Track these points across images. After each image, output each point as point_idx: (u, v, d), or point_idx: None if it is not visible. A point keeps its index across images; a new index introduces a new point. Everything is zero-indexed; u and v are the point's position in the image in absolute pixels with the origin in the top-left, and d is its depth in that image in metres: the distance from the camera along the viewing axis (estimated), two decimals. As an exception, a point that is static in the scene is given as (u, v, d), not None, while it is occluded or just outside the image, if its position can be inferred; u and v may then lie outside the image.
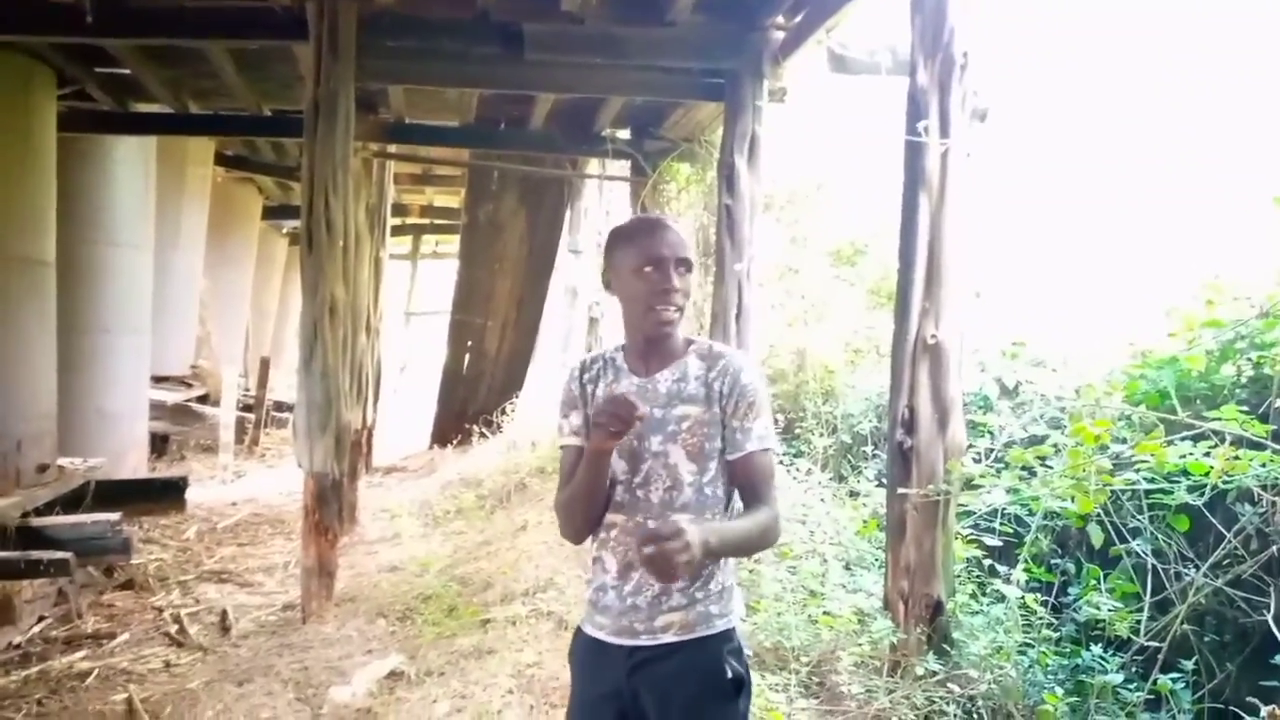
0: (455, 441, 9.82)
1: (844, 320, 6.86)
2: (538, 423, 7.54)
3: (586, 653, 2.10)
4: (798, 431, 6.25)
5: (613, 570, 2.06)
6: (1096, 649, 3.43)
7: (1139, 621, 3.13)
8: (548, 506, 5.49)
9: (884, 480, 4.46)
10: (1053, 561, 3.87)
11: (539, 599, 4.84)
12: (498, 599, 5.00)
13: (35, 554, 4.79)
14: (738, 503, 2.08)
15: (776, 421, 6.24)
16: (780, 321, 6.93)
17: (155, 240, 8.24)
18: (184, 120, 7.50)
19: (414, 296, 19.05)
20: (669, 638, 2.01)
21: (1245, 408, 3.08)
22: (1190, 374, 3.64)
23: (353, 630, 4.92)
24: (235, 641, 5.00)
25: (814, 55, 5.47)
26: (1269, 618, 2.84)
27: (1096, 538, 3.26)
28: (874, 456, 5.68)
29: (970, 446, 3.69)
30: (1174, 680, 3.11)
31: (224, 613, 5.38)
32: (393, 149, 8.66)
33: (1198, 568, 3.09)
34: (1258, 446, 2.88)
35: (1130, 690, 3.19)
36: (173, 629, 5.17)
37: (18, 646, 4.85)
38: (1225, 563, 3.07)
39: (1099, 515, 3.24)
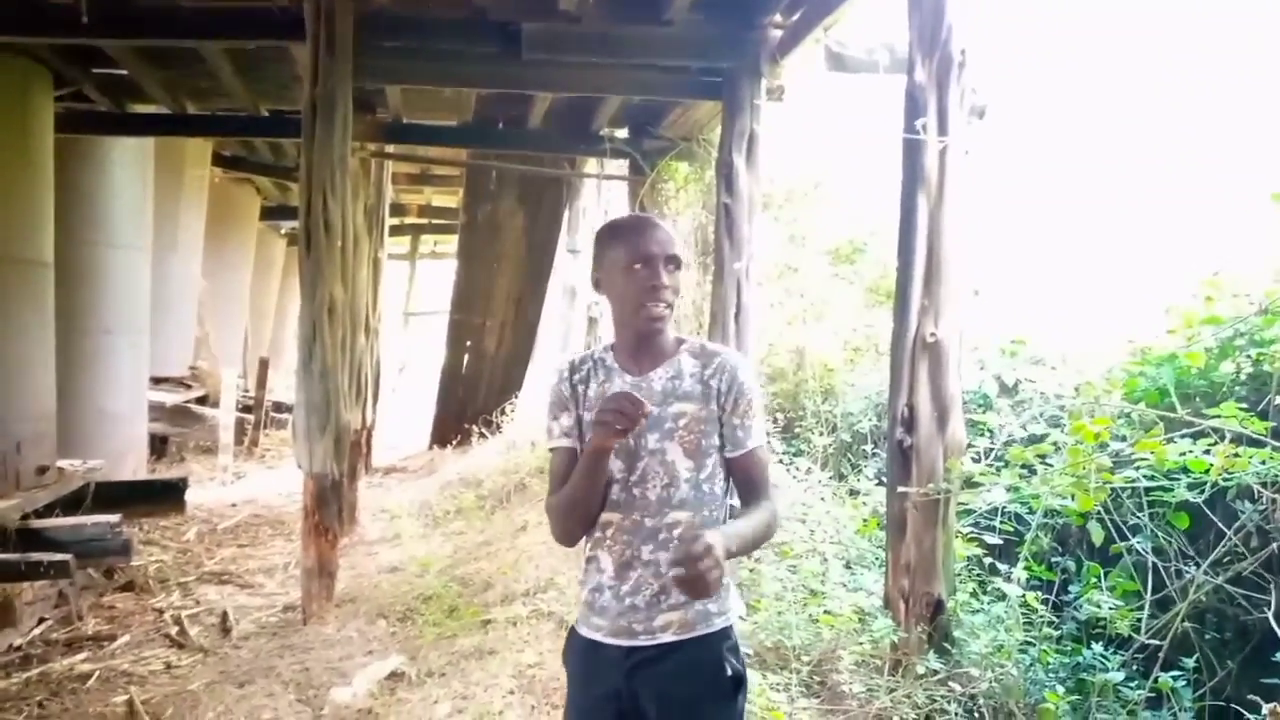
0: (455, 442, 9.82)
1: (843, 319, 6.86)
2: (537, 423, 7.54)
3: (583, 654, 2.09)
4: (797, 430, 6.25)
5: (609, 570, 2.05)
6: (1097, 647, 3.43)
7: (1140, 619, 3.13)
8: (548, 506, 5.47)
9: (884, 479, 4.45)
10: (1053, 559, 3.87)
11: (539, 599, 4.84)
12: (498, 599, 5.00)
13: (35, 556, 4.78)
14: (731, 499, 2.09)
15: (776, 420, 6.25)
16: (779, 320, 6.92)
17: (153, 241, 8.23)
18: (182, 121, 7.49)
19: (412, 296, 19.05)
20: (668, 637, 2.00)
21: (1245, 405, 3.07)
22: (1190, 371, 3.64)
23: (353, 631, 4.92)
24: (236, 643, 5.00)
25: (812, 54, 5.46)
26: (1269, 615, 2.84)
27: (1097, 536, 3.27)
28: (874, 455, 5.68)
29: (970, 445, 3.69)
30: (1175, 678, 3.11)
31: (224, 614, 5.38)
32: (390, 149, 8.65)
33: (1198, 565, 3.09)
34: (1257, 444, 2.88)
35: (1131, 688, 3.19)
36: (173, 630, 5.17)
37: (18, 648, 4.85)
38: (1226, 560, 3.07)
39: (1099, 513, 3.24)
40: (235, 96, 6.89)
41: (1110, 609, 3.27)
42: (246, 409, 11.13)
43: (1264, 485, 2.90)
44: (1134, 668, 3.29)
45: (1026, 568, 3.60)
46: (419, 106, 7.54)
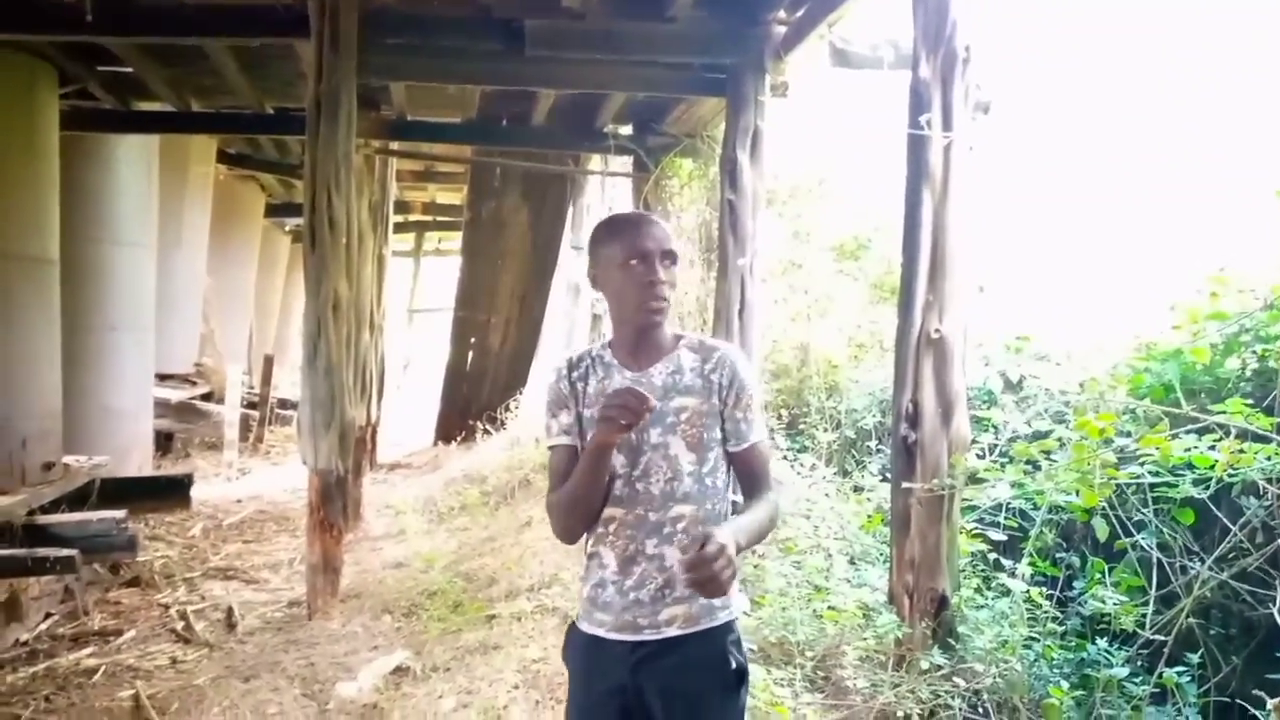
0: (459, 438, 9.84)
1: (847, 315, 6.85)
2: (541, 419, 7.52)
3: (585, 651, 2.09)
4: (801, 427, 6.25)
5: (612, 565, 2.05)
6: (1102, 643, 3.43)
7: (1144, 615, 3.12)
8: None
9: (888, 475, 4.45)
10: (1058, 555, 3.87)
11: (544, 594, 4.85)
12: (503, 595, 5.00)
13: (41, 551, 4.80)
14: (731, 498, 2.10)
15: (780, 416, 6.25)
16: (784, 316, 6.92)
17: (158, 238, 8.25)
18: (186, 118, 7.51)
19: (417, 293, 19.06)
20: (673, 631, 2.01)
21: (1250, 401, 3.07)
22: (1195, 367, 3.64)
23: (358, 626, 4.93)
24: (241, 638, 5.02)
25: (816, 50, 5.46)
26: (1274, 611, 2.84)
27: (1101, 531, 3.26)
28: (878, 451, 5.68)
29: (974, 441, 3.68)
30: (1179, 674, 3.11)
31: (230, 609, 5.40)
32: (395, 146, 8.67)
33: (1203, 561, 3.08)
34: (1263, 440, 2.88)
35: (1136, 684, 3.19)
36: (179, 626, 5.19)
37: (25, 643, 4.87)
38: (1230, 556, 3.07)
39: (1104, 509, 3.24)
40: (240, 94, 6.90)
41: (1115, 605, 3.27)
42: (251, 405, 11.15)
43: (1269, 481, 2.90)
44: (1138, 663, 3.29)
45: (1031, 563, 3.60)
46: (423, 103, 7.55)
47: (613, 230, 2.09)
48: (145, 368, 8.15)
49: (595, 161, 9.36)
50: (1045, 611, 3.54)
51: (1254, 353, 3.57)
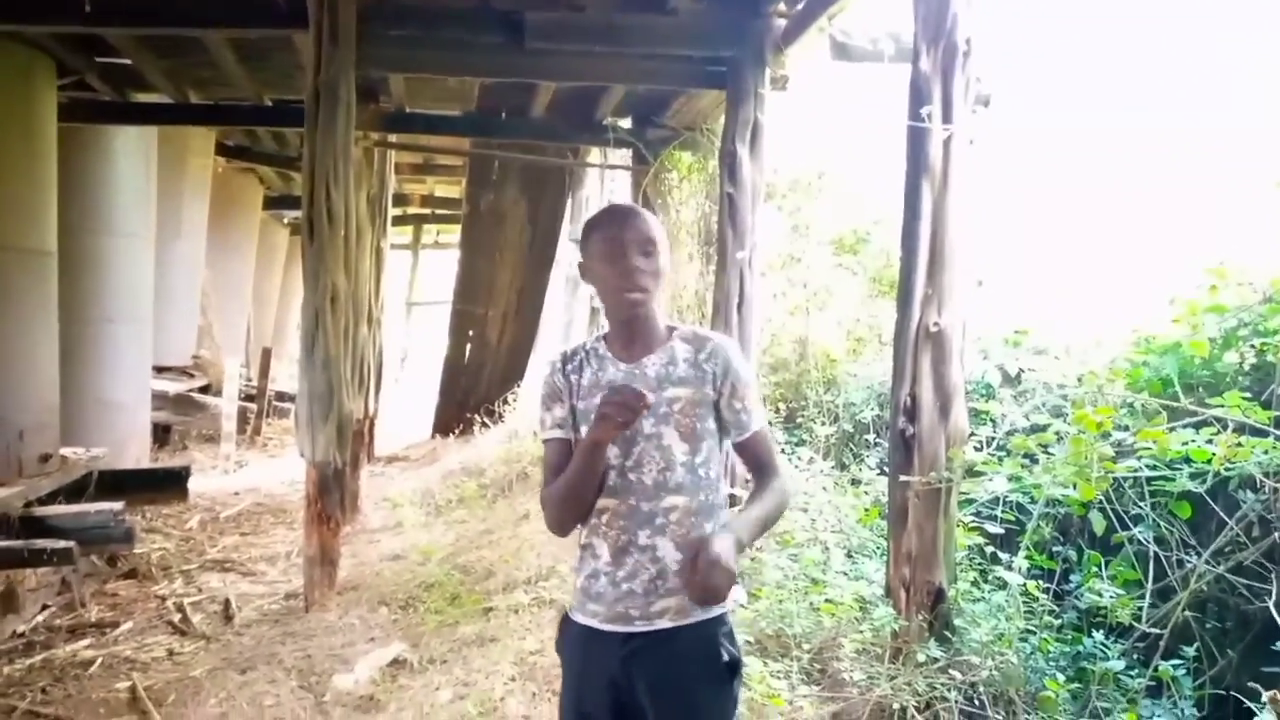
0: (457, 431, 9.83)
1: (846, 309, 6.84)
2: (538, 413, 7.53)
3: (579, 642, 2.10)
4: (800, 420, 6.24)
5: (605, 556, 2.05)
6: (1098, 636, 3.43)
7: (1140, 608, 3.13)
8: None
9: (886, 468, 4.46)
10: (1054, 549, 3.88)
11: (541, 587, 4.85)
12: (500, 587, 5.01)
13: (39, 543, 4.79)
14: (727, 490, 2.10)
15: (778, 410, 6.25)
16: (782, 310, 6.91)
17: (156, 230, 8.24)
18: (185, 110, 7.49)
19: (415, 286, 19.07)
20: (665, 623, 2.01)
21: (1248, 394, 3.07)
22: (1193, 361, 3.64)
23: (355, 619, 4.93)
24: (238, 630, 5.02)
25: (816, 43, 5.45)
26: (1270, 604, 2.85)
27: (1098, 525, 3.26)
28: (876, 445, 5.68)
29: (972, 434, 3.68)
30: (1175, 667, 3.11)
31: (227, 601, 5.40)
32: (394, 138, 8.64)
33: (1199, 555, 3.09)
34: (1260, 433, 2.88)
35: (1131, 677, 3.20)
36: (176, 618, 5.19)
37: (22, 635, 4.87)
38: (1227, 550, 3.07)
39: (1101, 502, 3.24)
40: (238, 85, 6.88)
41: (1111, 598, 3.28)
42: (249, 398, 11.14)
43: (1266, 475, 2.90)
44: (1134, 656, 3.30)
45: (1028, 556, 3.60)
46: (422, 95, 7.53)
47: (595, 223, 2.11)
48: (143, 360, 8.15)
49: (594, 154, 9.34)
50: (1042, 605, 3.54)
51: (1252, 347, 3.58)
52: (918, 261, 3.58)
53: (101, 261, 7.48)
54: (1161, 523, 3.23)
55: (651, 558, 2.01)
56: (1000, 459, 3.54)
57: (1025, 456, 3.41)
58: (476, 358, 10.74)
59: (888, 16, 5.43)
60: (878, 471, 5.23)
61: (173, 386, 9.64)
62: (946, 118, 3.53)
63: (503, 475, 7.33)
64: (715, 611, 2.03)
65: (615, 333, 2.12)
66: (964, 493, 3.62)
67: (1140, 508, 3.27)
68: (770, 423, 5.73)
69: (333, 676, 4.20)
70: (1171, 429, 3.03)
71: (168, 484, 6.21)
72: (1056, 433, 3.37)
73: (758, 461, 2.11)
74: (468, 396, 10.43)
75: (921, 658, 3.27)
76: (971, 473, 3.56)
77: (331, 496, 5.16)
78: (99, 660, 4.58)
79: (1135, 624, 3.13)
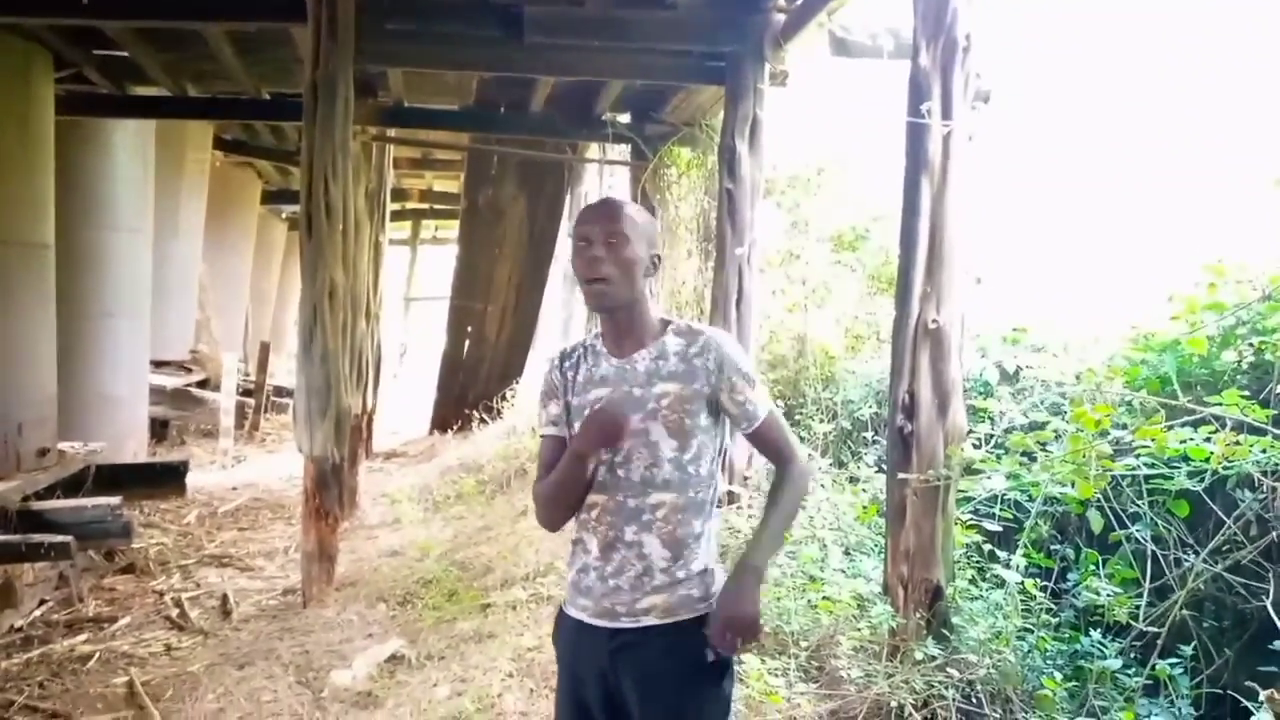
0: (455, 427, 9.83)
1: (844, 305, 6.84)
2: (536, 409, 7.53)
3: (571, 635, 2.11)
4: (798, 418, 6.23)
5: (594, 550, 2.06)
6: (1095, 634, 3.43)
7: (1138, 607, 3.13)
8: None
9: (884, 466, 4.45)
10: (1052, 547, 3.87)
11: (539, 583, 4.85)
12: (498, 583, 5.01)
13: (36, 537, 4.80)
14: (725, 486, 2.09)
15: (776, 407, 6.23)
16: (781, 307, 6.90)
17: (154, 225, 8.23)
18: (183, 104, 7.47)
19: (413, 282, 19.05)
20: (650, 621, 2.01)
21: (1247, 393, 3.06)
22: (1191, 359, 3.63)
23: (353, 614, 4.93)
24: (236, 625, 5.02)
25: (815, 38, 5.43)
26: (1268, 603, 2.84)
27: (1096, 523, 3.26)
28: (874, 442, 5.67)
29: (970, 432, 3.68)
30: (1172, 665, 3.11)
31: (225, 597, 5.40)
32: (392, 133, 8.63)
33: (1197, 553, 3.08)
34: (1258, 432, 2.87)
35: (1129, 675, 3.19)
36: (173, 613, 5.19)
37: (19, 629, 4.87)
38: (1225, 548, 3.06)
39: (1099, 501, 3.23)
40: (236, 79, 6.86)
41: (1109, 596, 3.27)
42: (247, 393, 11.14)
43: (1264, 474, 2.90)
44: (1132, 655, 3.29)
45: (1025, 555, 3.60)
46: (420, 90, 7.51)
47: (577, 220, 2.12)
48: (141, 354, 8.14)
49: (593, 150, 9.33)
50: (1039, 603, 3.54)
51: (1251, 345, 3.57)
52: (916, 258, 3.57)
53: (100, 256, 7.47)
54: (1159, 521, 3.22)
55: (638, 554, 2.01)
56: (998, 457, 3.54)
57: (1023, 454, 3.41)
58: (475, 353, 10.73)
59: (887, 12, 5.41)
60: (876, 469, 5.22)
61: (171, 381, 9.64)
62: (946, 114, 3.52)
63: (501, 471, 7.33)
64: (702, 610, 2.02)
65: (606, 328, 2.12)
66: (962, 490, 3.61)
67: (1138, 506, 3.26)
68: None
69: (331, 672, 4.20)
70: (1170, 427, 3.02)
71: (166, 479, 6.21)
72: (1055, 430, 3.36)
73: (773, 448, 2.11)
74: (466, 392, 10.43)
75: (919, 655, 3.27)
76: (970, 470, 3.55)
77: (329, 492, 5.16)
78: (96, 655, 4.58)
79: (1133, 622, 3.13)
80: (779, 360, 6.66)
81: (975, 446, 3.62)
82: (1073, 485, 3.19)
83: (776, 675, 3.42)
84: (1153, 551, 3.16)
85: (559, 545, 5.18)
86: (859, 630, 3.58)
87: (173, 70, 6.80)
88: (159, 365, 9.32)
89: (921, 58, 3.57)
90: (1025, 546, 3.60)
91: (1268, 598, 2.85)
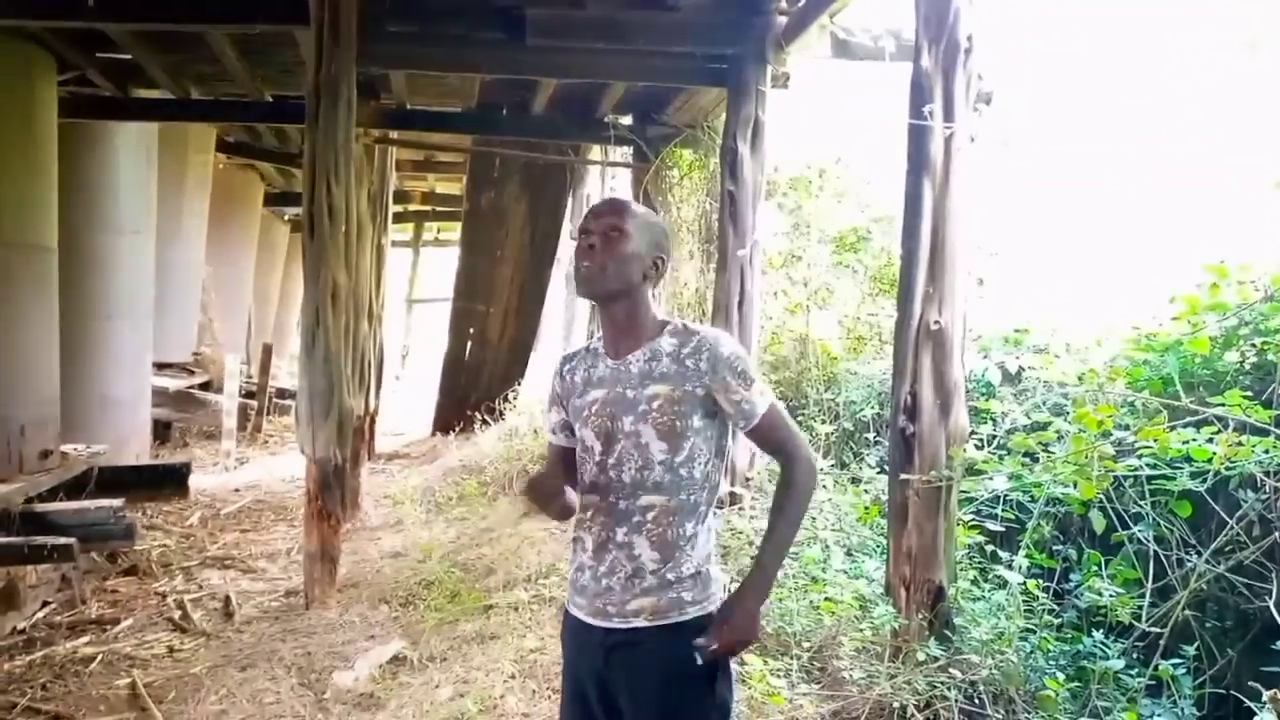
0: (458, 428, 9.82)
1: (846, 307, 6.84)
2: (539, 410, 7.54)
3: (573, 631, 2.14)
4: (800, 419, 6.24)
5: (589, 550, 2.07)
6: (1098, 635, 3.43)
7: (1140, 607, 3.12)
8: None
9: (886, 466, 4.45)
10: (1054, 547, 3.87)
11: (541, 585, 4.85)
12: (500, 585, 5.01)
13: (39, 539, 4.80)
14: (726, 487, 2.10)
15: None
16: (783, 308, 6.91)
17: (157, 227, 8.23)
18: (185, 106, 7.48)
19: (416, 284, 19.06)
20: (640, 622, 2.01)
21: (1249, 394, 3.06)
22: (1194, 360, 3.63)
23: (355, 616, 4.93)
24: (238, 627, 5.02)
25: (817, 40, 5.44)
26: (1270, 604, 2.84)
27: (1098, 524, 3.26)
28: (876, 443, 5.67)
29: (973, 432, 3.68)
30: (1175, 666, 3.11)
31: (227, 598, 5.40)
32: (394, 135, 8.63)
33: (1199, 554, 3.08)
34: (1261, 432, 2.87)
35: (1131, 676, 3.19)
36: (176, 614, 5.19)
37: (22, 631, 4.87)
38: (1227, 549, 3.06)
39: (1101, 501, 3.23)
40: (239, 81, 6.88)
41: (1111, 597, 3.27)
42: (250, 395, 11.13)
43: (1267, 474, 2.90)
44: (1134, 655, 3.29)
45: (1028, 555, 3.60)
46: (423, 92, 7.53)
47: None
48: (143, 356, 8.14)
49: (595, 151, 9.33)
50: (1042, 603, 3.53)
51: (1253, 345, 3.57)
52: (918, 259, 3.57)
53: (102, 258, 7.47)
54: (1162, 522, 3.22)
55: (628, 555, 2.02)
56: (1000, 457, 3.54)
57: (1025, 455, 3.41)
58: (477, 355, 10.73)
59: (889, 14, 5.42)
60: (878, 470, 5.22)
61: (173, 383, 9.64)
62: (948, 116, 3.52)
63: (503, 473, 7.33)
64: (692, 614, 2.00)
65: (605, 329, 2.13)
66: (964, 491, 3.61)
67: (1140, 507, 3.26)
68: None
69: (333, 674, 4.20)
70: (1172, 428, 3.03)
71: (168, 480, 6.21)
72: (1057, 431, 3.36)
73: (774, 446, 2.09)
74: (468, 394, 10.42)
75: (921, 656, 3.27)
76: (972, 471, 3.55)
77: (332, 493, 5.16)
78: (99, 657, 4.58)
79: (1135, 623, 3.13)
80: (781, 361, 6.66)
81: (977, 447, 3.62)
82: (1075, 486, 3.19)
83: (779, 676, 3.42)
84: (1155, 552, 3.16)
85: (561, 547, 5.18)
86: (861, 631, 3.58)
87: (175, 73, 6.82)
88: (161, 367, 9.33)
89: (923, 59, 3.58)
90: (1028, 547, 3.60)
91: (1270, 598, 2.85)
